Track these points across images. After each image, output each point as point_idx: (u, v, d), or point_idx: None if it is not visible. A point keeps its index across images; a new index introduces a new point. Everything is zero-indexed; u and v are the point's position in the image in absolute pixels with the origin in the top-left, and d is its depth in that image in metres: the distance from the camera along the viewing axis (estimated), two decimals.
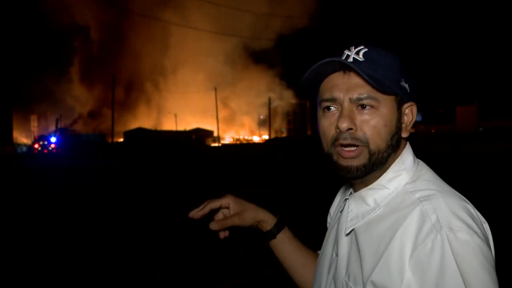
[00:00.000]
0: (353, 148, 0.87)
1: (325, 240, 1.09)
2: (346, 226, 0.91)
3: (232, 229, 1.17)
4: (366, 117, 0.86)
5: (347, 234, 0.92)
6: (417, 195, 0.83)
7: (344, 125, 0.86)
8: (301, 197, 9.48)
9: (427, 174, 0.89)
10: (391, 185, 0.87)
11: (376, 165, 0.87)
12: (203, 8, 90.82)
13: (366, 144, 0.86)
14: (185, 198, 10.21)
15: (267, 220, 1.17)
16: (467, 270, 0.73)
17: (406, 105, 0.89)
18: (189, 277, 4.68)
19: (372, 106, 0.86)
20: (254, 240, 6.33)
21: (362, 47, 0.89)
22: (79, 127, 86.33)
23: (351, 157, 0.87)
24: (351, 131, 0.86)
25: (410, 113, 0.90)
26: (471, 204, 0.83)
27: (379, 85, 0.83)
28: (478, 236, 0.76)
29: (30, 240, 6.42)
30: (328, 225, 1.16)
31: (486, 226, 0.82)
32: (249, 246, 5.72)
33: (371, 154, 0.86)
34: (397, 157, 0.90)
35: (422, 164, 0.92)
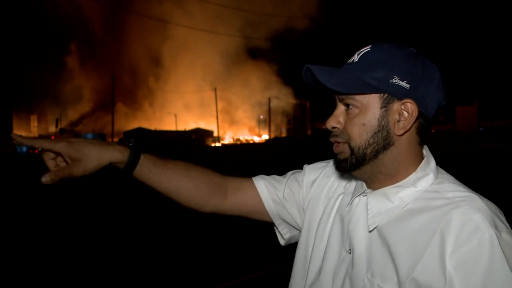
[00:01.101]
0: (338, 144, 0.94)
1: (313, 224, 1.08)
2: (369, 223, 0.91)
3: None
4: (349, 116, 0.92)
5: (371, 231, 0.92)
6: (450, 195, 0.86)
7: (328, 124, 0.95)
8: None
9: (450, 178, 0.92)
10: (419, 184, 0.89)
11: (360, 161, 0.91)
12: (203, 8, 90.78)
13: (347, 141, 0.92)
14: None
15: (118, 158, 1.01)
16: None
17: (398, 102, 0.89)
18: (189, 277, 4.68)
19: (353, 105, 0.90)
20: (254, 240, 6.35)
21: (368, 47, 0.93)
22: (79, 127, 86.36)
23: (337, 152, 0.95)
24: (335, 129, 0.94)
25: (403, 110, 0.89)
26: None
27: (341, 88, 0.87)
28: None
29: (30, 240, 6.42)
30: (308, 190, 1.15)
31: None
32: (249, 246, 5.73)
33: (351, 150, 0.91)
34: (399, 155, 0.91)
35: (441, 169, 0.95)
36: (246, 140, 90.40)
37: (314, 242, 1.06)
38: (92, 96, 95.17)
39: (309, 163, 1.25)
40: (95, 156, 0.96)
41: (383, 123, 0.89)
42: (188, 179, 1.12)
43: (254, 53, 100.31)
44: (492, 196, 0.90)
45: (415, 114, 0.88)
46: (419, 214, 0.86)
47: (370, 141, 0.90)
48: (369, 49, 0.92)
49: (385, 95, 0.89)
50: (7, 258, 5.48)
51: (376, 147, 0.90)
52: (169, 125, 79.56)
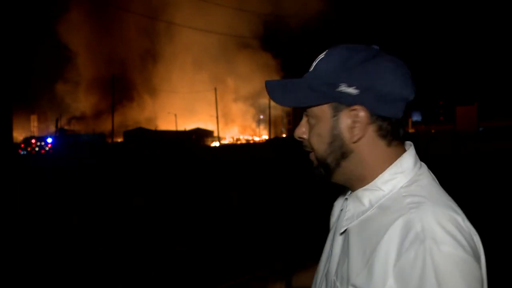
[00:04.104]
0: (310, 153, 0.96)
1: (327, 239, 1.11)
2: (341, 225, 0.92)
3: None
4: (310, 126, 0.93)
5: (341, 233, 0.93)
6: (408, 200, 0.82)
7: (294, 134, 0.96)
8: (301, 196, 9.48)
9: (425, 179, 0.87)
10: (386, 187, 0.87)
11: (327, 169, 0.92)
12: (203, 8, 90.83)
13: (312, 151, 0.94)
14: (184, 198, 10.22)
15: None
16: (447, 285, 0.71)
17: (347, 109, 0.87)
18: (189, 277, 4.68)
19: (310, 116, 0.91)
20: (254, 240, 6.35)
21: (324, 53, 0.91)
22: (79, 127, 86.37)
23: (311, 160, 0.96)
24: (302, 139, 0.96)
25: (352, 117, 0.87)
26: (462, 215, 0.80)
27: (290, 103, 0.89)
28: (464, 249, 0.74)
29: (30, 240, 6.42)
30: (330, 227, 1.17)
31: (476, 239, 0.79)
32: (249, 246, 5.73)
33: (317, 160, 0.93)
34: (362, 161, 0.89)
35: (423, 169, 0.90)
36: (246, 140, 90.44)
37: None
38: (92, 97, 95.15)
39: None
40: None
41: (335, 132, 0.88)
42: None
43: (254, 53, 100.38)
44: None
45: (366, 119, 0.86)
46: (378, 219, 0.84)
47: (328, 151, 0.90)
48: (323, 56, 0.90)
49: (335, 104, 0.87)
50: (7, 258, 5.48)
51: (335, 156, 0.89)
52: (169, 125, 79.59)
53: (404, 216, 0.79)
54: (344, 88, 0.85)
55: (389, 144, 0.88)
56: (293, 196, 9.68)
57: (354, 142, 0.88)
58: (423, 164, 0.92)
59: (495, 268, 4.38)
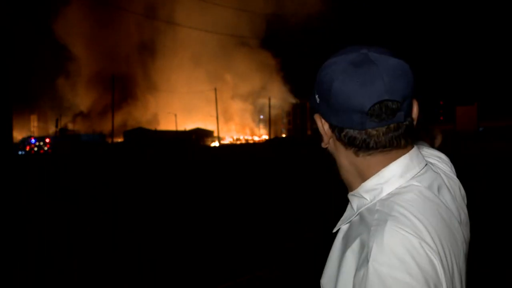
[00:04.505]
0: None
1: None
2: (336, 225, 0.92)
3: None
4: None
5: (334, 233, 0.93)
6: (376, 216, 0.79)
7: None
8: (302, 197, 9.48)
9: (409, 192, 0.81)
10: (368, 196, 0.84)
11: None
12: (203, 7, 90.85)
13: None
14: (184, 198, 10.21)
15: None
16: None
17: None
18: (189, 277, 4.68)
19: None
20: (254, 240, 6.34)
21: None
22: (79, 127, 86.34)
23: None
24: None
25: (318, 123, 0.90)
26: (422, 238, 0.74)
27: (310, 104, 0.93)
28: (410, 274, 0.70)
29: (30, 241, 6.42)
30: None
31: (438, 263, 0.74)
32: (249, 246, 5.73)
33: None
34: (340, 166, 0.90)
35: (418, 178, 0.84)
36: (246, 139, 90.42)
37: None
38: (92, 97, 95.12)
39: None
40: None
41: (320, 133, 0.90)
42: None
43: (254, 53, 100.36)
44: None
45: (325, 127, 0.86)
46: (354, 227, 0.84)
47: (326, 152, 0.93)
48: None
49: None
50: (7, 258, 5.48)
51: (329, 155, 0.92)
52: (169, 125, 79.62)
53: (365, 233, 0.77)
54: (316, 95, 0.86)
55: (356, 153, 0.84)
56: (293, 196, 9.68)
57: (326, 146, 0.90)
58: (423, 171, 0.86)
59: (495, 269, 4.39)
